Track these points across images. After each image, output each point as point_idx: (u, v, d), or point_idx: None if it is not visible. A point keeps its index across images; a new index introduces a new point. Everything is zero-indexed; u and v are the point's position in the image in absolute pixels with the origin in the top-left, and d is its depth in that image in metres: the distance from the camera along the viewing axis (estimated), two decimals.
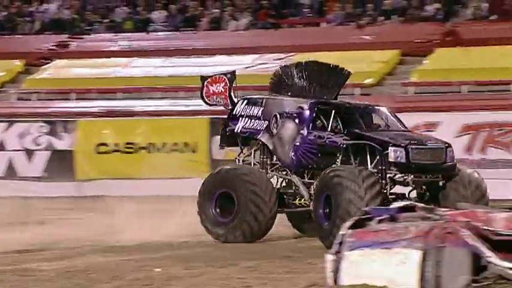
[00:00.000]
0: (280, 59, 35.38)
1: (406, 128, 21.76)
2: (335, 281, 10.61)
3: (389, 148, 19.78)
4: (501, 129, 30.31)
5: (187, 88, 34.72)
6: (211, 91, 23.21)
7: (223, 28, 38.86)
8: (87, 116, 35.76)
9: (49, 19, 43.14)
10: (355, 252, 10.54)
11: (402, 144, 19.77)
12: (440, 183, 20.18)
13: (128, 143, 34.03)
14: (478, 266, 10.07)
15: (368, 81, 33.97)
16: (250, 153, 22.85)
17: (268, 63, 35.34)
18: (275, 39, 37.53)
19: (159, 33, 39.34)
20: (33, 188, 33.60)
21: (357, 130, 21.07)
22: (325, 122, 21.00)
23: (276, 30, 38.35)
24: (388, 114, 21.92)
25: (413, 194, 21.14)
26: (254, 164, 22.63)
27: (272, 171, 22.26)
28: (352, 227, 10.84)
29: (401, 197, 20.67)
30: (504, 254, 9.98)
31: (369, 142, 20.26)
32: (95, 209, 28.42)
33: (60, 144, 34.49)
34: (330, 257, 10.75)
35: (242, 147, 22.98)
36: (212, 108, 24.51)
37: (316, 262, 13.62)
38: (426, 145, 20.02)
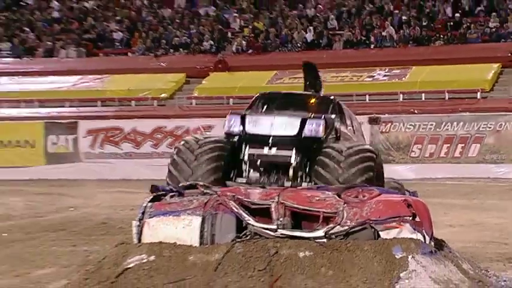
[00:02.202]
0: (98, 79, 34.96)
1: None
2: (139, 241, 10.65)
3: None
4: None
5: (28, 100, 33.65)
6: None
7: (55, 56, 37.41)
8: None
9: None
10: (154, 219, 10.74)
11: None
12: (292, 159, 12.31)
13: None
14: (241, 226, 10.54)
15: (163, 95, 33.79)
16: None
17: (90, 82, 34.52)
18: (94, 64, 36.64)
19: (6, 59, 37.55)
20: None
21: None
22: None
23: (95, 57, 37.58)
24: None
25: None
26: None
27: None
28: (151, 200, 10.98)
29: None
30: (258, 217, 10.51)
31: None
32: None
33: None
34: (134, 223, 10.76)
35: None
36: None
37: (126, 227, 13.50)
38: None
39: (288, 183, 11.98)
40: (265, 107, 13.22)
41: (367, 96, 30.79)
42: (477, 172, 27.72)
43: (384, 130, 29.20)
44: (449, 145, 28.86)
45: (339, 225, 10.76)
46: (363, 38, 34.12)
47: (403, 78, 31.55)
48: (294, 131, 11.84)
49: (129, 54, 37.28)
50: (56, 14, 39.32)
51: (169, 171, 12.17)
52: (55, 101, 32.98)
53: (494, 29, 33.22)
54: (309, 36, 34.96)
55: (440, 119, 29.24)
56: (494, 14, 33.79)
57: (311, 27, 35.38)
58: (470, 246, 13.67)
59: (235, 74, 34.93)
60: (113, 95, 33.61)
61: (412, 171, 26.95)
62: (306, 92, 13.90)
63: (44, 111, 32.50)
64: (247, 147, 12.14)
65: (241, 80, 34.11)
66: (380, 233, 10.70)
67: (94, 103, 33.59)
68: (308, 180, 12.03)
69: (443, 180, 25.50)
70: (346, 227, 10.73)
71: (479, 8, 34.38)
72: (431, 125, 29.15)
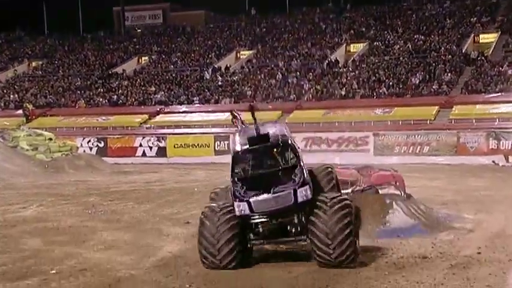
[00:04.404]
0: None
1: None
2: None
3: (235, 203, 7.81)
4: None
5: (206, 124, 33.43)
6: None
7: (218, 103, 36.42)
8: None
9: None
10: None
11: None
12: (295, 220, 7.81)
13: None
14: None
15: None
16: None
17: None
18: (233, 107, 35.31)
19: (196, 105, 36.94)
20: None
21: None
22: None
23: (238, 104, 35.61)
24: None
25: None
26: None
27: None
28: None
29: None
30: None
31: None
32: None
33: None
34: None
35: None
36: None
37: None
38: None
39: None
40: (244, 169, 8.14)
41: (372, 122, 30.51)
42: (427, 160, 27.03)
43: (379, 139, 28.82)
44: (413, 146, 28.38)
45: (358, 186, 10.67)
46: (373, 94, 33.74)
47: (390, 113, 30.86)
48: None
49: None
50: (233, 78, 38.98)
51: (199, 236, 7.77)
52: (218, 125, 32.59)
53: (435, 89, 32.55)
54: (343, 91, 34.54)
55: (409, 133, 28.62)
56: (435, 81, 33.06)
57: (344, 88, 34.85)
58: (424, 196, 13.44)
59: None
60: (247, 121, 32.32)
61: (395, 160, 26.33)
62: (266, 144, 8.22)
63: (213, 130, 32.35)
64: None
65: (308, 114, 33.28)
66: (379, 190, 10.61)
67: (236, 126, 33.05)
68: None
69: (410, 164, 25.06)
70: (362, 187, 10.64)
71: (427, 79, 33.68)
72: (405, 136, 28.60)
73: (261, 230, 7.80)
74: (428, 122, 29.77)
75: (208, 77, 39.81)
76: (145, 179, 21.72)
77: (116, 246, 9.38)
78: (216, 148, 31.04)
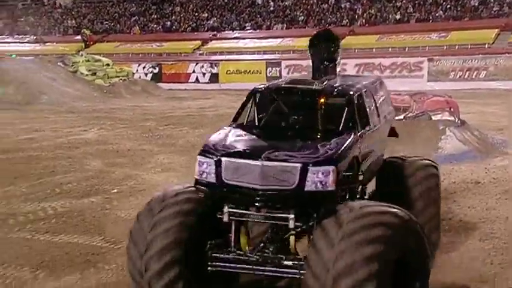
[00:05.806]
0: (289, 40, 32.88)
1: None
2: None
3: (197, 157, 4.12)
4: None
5: (258, 51, 33.02)
6: None
7: (271, 29, 36.07)
8: None
9: None
10: None
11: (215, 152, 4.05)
12: (290, 223, 3.86)
13: None
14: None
15: None
16: None
17: (287, 42, 32.70)
18: (286, 32, 34.28)
19: (249, 31, 36.72)
20: None
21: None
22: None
23: (287, 30, 35.09)
24: None
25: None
26: None
27: None
28: None
29: None
30: None
31: None
32: None
33: None
34: None
35: None
36: None
37: None
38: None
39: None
40: (259, 118, 5.18)
41: (427, 47, 29.56)
42: (484, 86, 26.14)
43: (434, 65, 27.94)
44: (470, 72, 27.54)
45: (411, 113, 10.54)
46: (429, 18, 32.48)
47: (447, 38, 29.78)
48: (290, 183, 3.96)
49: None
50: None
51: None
52: (270, 51, 32.48)
53: (495, 11, 31.00)
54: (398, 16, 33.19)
55: (466, 58, 27.64)
56: (496, 2, 31.41)
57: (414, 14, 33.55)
58: (479, 122, 13.07)
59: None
60: (298, 48, 30.31)
61: (449, 86, 25.57)
62: (310, 86, 5.11)
63: (265, 56, 32.03)
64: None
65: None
66: (432, 116, 10.46)
67: (288, 52, 32.13)
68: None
69: (466, 90, 24.30)
70: (414, 114, 10.51)
71: (487, 0, 32.05)
72: (461, 61, 27.67)
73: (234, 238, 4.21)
74: (486, 46, 28.59)
75: (260, 2, 39.09)
76: (199, 104, 21.92)
77: (172, 169, 9.65)
78: (268, 74, 30.85)
